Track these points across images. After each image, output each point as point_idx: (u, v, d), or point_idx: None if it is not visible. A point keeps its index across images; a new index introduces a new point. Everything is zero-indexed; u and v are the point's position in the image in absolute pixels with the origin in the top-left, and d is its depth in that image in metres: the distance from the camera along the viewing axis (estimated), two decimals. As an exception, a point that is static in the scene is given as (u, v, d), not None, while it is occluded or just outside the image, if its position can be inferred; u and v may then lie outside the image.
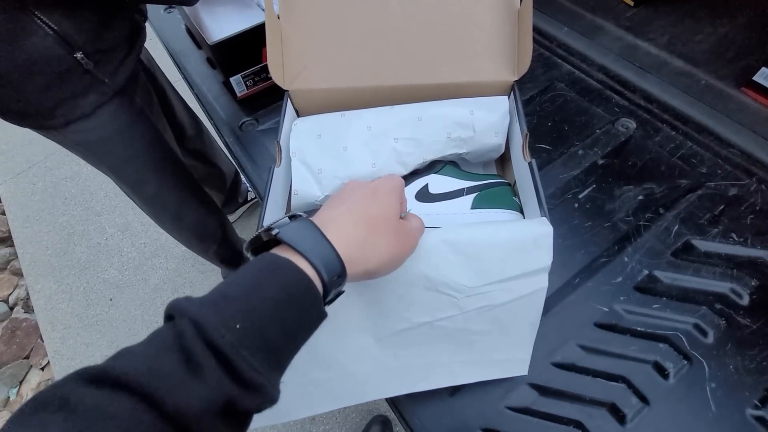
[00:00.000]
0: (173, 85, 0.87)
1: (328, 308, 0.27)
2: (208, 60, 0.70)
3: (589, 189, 0.51)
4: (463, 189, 0.42)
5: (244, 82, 0.62)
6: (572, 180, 0.51)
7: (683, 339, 0.40)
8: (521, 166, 0.41)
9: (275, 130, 0.61)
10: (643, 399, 0.37)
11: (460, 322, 0.33)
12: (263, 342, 0.22)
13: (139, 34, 0.65)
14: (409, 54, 0.46)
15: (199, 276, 1.36)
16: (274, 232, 0.26)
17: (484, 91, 0.46)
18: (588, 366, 0.39)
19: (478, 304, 0.33)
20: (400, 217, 0.31)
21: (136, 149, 0.69)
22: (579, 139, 0.55)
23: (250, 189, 1.37)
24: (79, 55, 0.56)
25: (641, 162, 0.52)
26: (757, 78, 0.54)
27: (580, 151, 0.54)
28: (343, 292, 0.28)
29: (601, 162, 0.53)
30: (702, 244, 0.45)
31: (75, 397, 0.18)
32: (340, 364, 0.33)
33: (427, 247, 0.33)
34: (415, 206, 0.41)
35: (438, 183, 0.42)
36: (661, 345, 0.40)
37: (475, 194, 0.41)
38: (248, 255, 0.28)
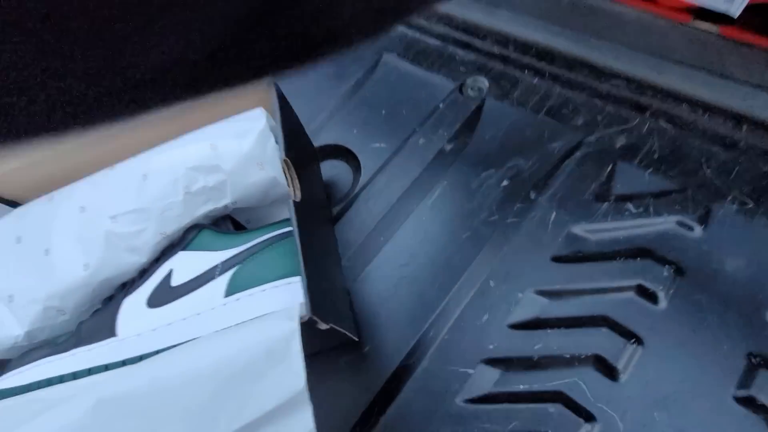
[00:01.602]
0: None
1: None
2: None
3: (439, 189, 0.37)
4: (216, 267, 0.28)
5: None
6: (413, 186, 0.38)
7: (582, 385, 0.27)
8: (289, 207, 0.28)
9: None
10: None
11: None
12: None
13: None
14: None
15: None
16: None
17: (236, 106, 0.32)
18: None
19: None
20: None
21: None
22: (419, 123, 0.41)
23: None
24: None
25: (500, 133, 0.39)
26: (622, -23, 0.41)
27: (421, 140, 0.40)
28: None
29: (449, 148, 0.39)
30: (590, 231, 0.32)
31: None
32: None
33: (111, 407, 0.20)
34: (146, 319, 0.27)
35: (186, 265, 0.29)
36: (550, 408, 0.27)
37: (232, 270, 0.28)
38: None
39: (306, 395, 0.20)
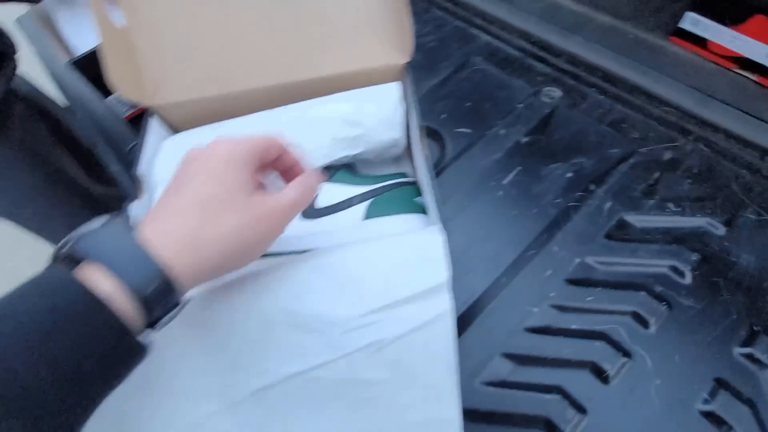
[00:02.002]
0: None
1: (147, 365, 0.20)
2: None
3: (514, 172, 0.45)
4: (354, 198, 0.36)
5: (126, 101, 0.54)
6: (495, 165, 0.46)
7: (623, 332, 0.35)
8: (420, 162, 0.36)
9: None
10: (581, 409, 0.33)
11: (344, 370, 0.26)
12: (18, 391, 0.15)
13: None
14: (283, 47, 0.40)
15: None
16: (67, 247, 0.20)
17: (375, 80, 0.40)
18: (519, 380, 0.34)
19: (364, 341, 0.26)
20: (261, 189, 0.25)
21: (28, 187, 0.61)
22: (500, 118, 0.49)
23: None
24: None
25: (568, 134, 0.47)
26: (682, 24, 0.49)
27: (502, 131, 0.48)
28: (179, 304, 0.21)
29: (524, 140, 0.47)
30: (637, 220, 0.40)
31: None
32: None
33: (287, 276, 0.27)
34: (299, 225, 0.35)
35: (327, 194, 0.36)
36: (596, 343, 0.35)
37: (369, 201, 0.36)
38: None
39: (447, 285, 0.27)
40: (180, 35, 0.40)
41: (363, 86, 0.40)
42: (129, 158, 0.54)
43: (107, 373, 0.19)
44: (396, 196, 0.36)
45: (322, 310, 0.26)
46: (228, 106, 0.41)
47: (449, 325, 0.27)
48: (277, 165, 0.29)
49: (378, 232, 0.34)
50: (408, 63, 0.40)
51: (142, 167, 0.37)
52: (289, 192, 0.25)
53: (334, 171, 0.38)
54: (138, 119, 0.57)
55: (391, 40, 0.39)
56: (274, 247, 0.32)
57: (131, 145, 0.56)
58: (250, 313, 0.26)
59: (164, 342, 0.24)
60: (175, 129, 0.43)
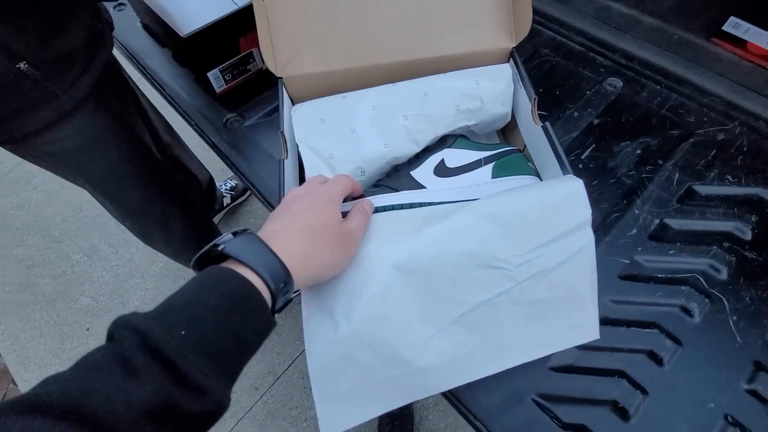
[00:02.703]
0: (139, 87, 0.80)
1: (383, 304, 0.28)
2: (175, 57, 0.65)
3: (590, 149, 0.52)
4: (480, 160, 0.41)
5: (223, 77, 0.58)
6: (573, 142, 0.52)
7: (701, 279, 0.42)
8: (532, 131, 0.41)
9: (263, 125, 0.58)
10: (676, 340, 0.39)
11: (518, 295, 0.33)
12: (209, 347, 0.22)
13: (101, 44, 0.59)
14: (404, 28, 0.45)
15: (182, 291, 1.29)
16: (220, 248, 0.27)
17: (484, 61, 0.45)
18: (621, 317, 0.40)
19: (531, 271, 0.32)
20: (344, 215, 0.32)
21: (116, 156, 0.63)
22: (572, 102, 0.56)
23: (225, 194, 1.31)
24: (22, 65, 0.50)
25: (633, 118, 0.54)
26: (726, 28, 0.57)
27: (576, 113, 0.55)
28: (292, 299, 0.29)
29: (596, 122, 0.54)
30: (702, 189, 0.47)
31: None
32: (407, 361, 0.31)
33: (467, 224, 0.33)
34: (435, 182, 0.40)
35: (454, 157, 0.42)
36: (683, 287, 0.41)
37: (492, 164, 0.41)
38: (195, 271, 0.28)
39: (590, 221, 0.33)
40: (315, 11, 0.44)
41: (475, 66, 0.45)
42: (223, 131, 0.58)
43: (259, 336, 0.26)
44: (513, 160, 0.42)
45: (499, 251, 0.32)
46: (349, 80, 0.45)
47: (591, 253, 0.34)
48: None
49: (507, 188, 0.39)
50: (516, 47, 0.46)
51: (285, 128, 0.41)
52: (355, 219, 0.33)
53: (453, 139, 0.43)
54: (230, 95, 0.61)
55: (502, 27, 0.45)
56: (432, 198, 0.37)
57: (227, 118, 0.59)
58: (446, 260, 0.32)
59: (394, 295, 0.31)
60: (295, 99, 0.47)
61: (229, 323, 0.24)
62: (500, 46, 0.45)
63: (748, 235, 0.44)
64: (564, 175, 0.36)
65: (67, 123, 0.55)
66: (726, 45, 0.59)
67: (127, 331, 0.21)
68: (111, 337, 0.22)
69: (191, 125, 0.59)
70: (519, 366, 0.37)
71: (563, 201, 0.33)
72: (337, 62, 0.45)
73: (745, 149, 0.50)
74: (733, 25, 0.57)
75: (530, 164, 0.42)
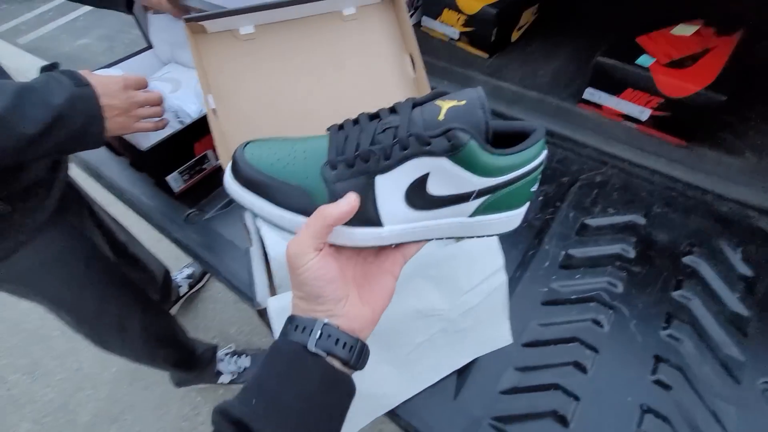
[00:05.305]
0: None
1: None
2: (133, 165, 0.71)
3: (503, 201, 0.63)
4: (473, 192, 0.29)
5: (182, 178, 0.64)
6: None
7: (604, 294, 0.52)
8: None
9: (222, 216, 0.64)
10: (594, 349, 0.47)
11: (450, 328, 0.42)
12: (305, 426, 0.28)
13: (60, 165, 0.64)
14: (328, 100, 0.55)
15: (141, 394, 1.21)
16: (312, 350, 0.29)
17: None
18: (548, 338, 0.48)
19: (460, 311, 0.41)
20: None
21: (74, 271, 0.65)
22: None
23: (181, 283, 1.30)
24: None
25: (532, 171, 0.67)
26: (585, 96, 0.74)
27: (487, 173, 0.67)
28: (368, 350, 0.32)
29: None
30: (592, 221, 0.59)
31: None
32: (377, 395, 0.41)
33: (410, 283, 0.40)
34: (399, 215, 0.29)
35: (442, 180, 0.28)
36: (591, 304, 0.51)
37: (485, 198, 0.29)
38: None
39: (503, 265, 0.42)
40: (261, 119, 0.53)
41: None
42: (188, 223, 0.63)
43: (344, 410, 0.31)
44: (515, 192, 0.29)
45: (434, 302, 0.41)
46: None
47: (505, 288, 0.44)
48: None
49: (476, 230, 0.35)
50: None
51: (247, 218, 0.48)
52: (390, 261, 0.33)
53: (467, 139, 0.29)
54: (188, 193, 0.67)
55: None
56: (388, 241, 0.33)
57: (187, 213, 0.65)
58: (396, 316, 0.40)
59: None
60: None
61: (325, 402, 0.29)
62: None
63: (632, 254, 0.56)
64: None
65: (30, 246, 0.58)
66: (589, 108, 0.76)
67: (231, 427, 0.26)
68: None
69: (153, 225, 0.63)
70: (473, 392, 0.44)
71: (481, 252, 0.42)
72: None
73: (617, 186, 0.64)
74: (590, 94, 0.74)
75: (534, 187, 0.31)
